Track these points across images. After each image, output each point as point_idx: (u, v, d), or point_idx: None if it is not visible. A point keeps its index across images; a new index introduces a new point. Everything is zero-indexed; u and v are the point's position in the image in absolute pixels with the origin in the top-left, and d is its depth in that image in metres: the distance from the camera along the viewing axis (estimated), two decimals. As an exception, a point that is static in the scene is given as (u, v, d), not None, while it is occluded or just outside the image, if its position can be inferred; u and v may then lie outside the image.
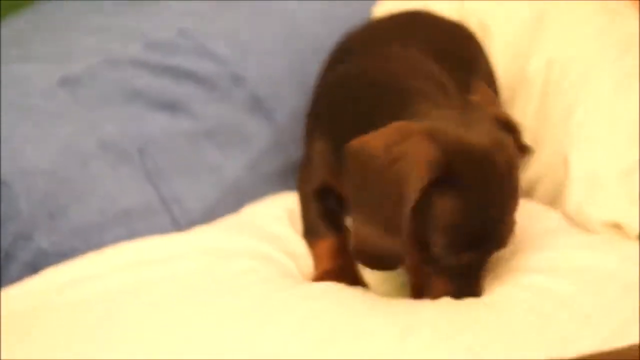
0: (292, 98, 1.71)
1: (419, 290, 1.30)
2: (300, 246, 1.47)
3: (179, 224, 1.53)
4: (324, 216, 1.47)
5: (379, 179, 1.21)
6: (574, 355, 1.10)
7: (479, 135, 1.23)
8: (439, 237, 1.22)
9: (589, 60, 1.63)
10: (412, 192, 1.18)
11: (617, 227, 1.44)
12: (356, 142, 1.24)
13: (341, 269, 1.39)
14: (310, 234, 1.47)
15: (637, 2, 1.60)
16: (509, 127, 1.29)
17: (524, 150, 1.38)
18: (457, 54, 1.55)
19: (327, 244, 1.44)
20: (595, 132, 1.55)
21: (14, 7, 1.81)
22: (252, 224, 1.50)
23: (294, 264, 1.42)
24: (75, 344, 1.18)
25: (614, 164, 1.50)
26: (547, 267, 1.34)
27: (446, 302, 1.26)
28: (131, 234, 1.46)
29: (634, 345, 1.09)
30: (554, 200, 1.57)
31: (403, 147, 1.20)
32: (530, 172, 1.61)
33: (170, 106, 1.60)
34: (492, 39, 1.73)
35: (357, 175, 1.24)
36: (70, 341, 1.18)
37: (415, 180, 1.18)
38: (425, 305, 1.25)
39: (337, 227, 1.46)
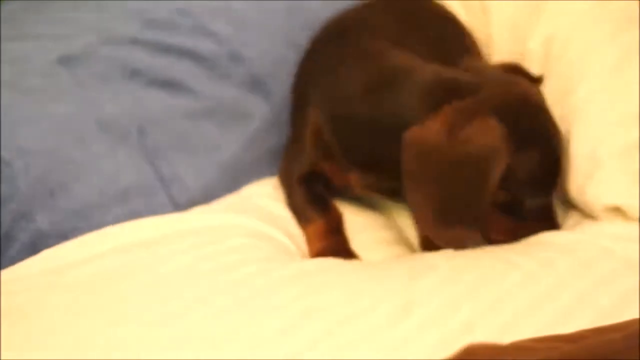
0: (290, 75, 1.71)
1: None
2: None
3: (178, 203, 1.53)
4: (311, 201, 1.49)
5: (450, 166, 1.24)
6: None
7: (513, 88, 1.33)
8: (528, 190, 1.30)
9: (588, 36, 1.62)
10: (495, 174, 1.24)
11: (618, 210, 1.43)
12: (414, 132, 1.26)
13: (334, 247, 1.41)
14: (299, 219, 1.48)
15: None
16: (517, 70, 1.38)
17: (536, 81, 1.49)
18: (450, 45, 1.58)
19: (316, 226, 1.46)
20: (595, 110, 1.54)
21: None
22: (251, 204, 1.51)
23: (293, 243, 1.43)
24: (75, 325, 1.18)
25: (614, 142, 1.49)
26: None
27: (448, 269, 1.27)
28: (130, 214, 1.46)
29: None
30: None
31: (469, 131, 1.24)
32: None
33: (169, 85, 1.59)
34: (491, 17, 1.72)
35: (419, 164, 1.26)
36: (70, 322, 1.18)
37: (498, 163, 1.25)
38: (426, 276, 1.26)
39: (325, 207, 1.49)
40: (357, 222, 1.52)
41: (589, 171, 1.48)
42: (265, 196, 1.54)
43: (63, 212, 1.45)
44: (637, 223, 1.41)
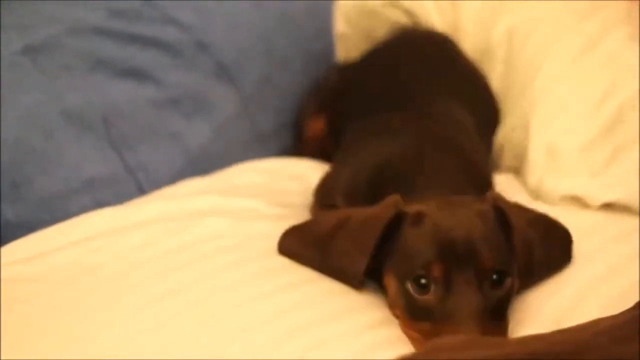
0: (258, 65, 1.71)
1: None
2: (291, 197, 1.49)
3: (145, 192, 1.52)
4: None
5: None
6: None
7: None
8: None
9: (550, 27, 1.63)
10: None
11: (576, 199, 1.45)
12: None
13: None
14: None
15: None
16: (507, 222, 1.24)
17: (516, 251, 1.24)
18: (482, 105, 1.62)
19: None
20: (553, 101, 1.55)
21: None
22: (226, 182, 1.52)
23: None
24: (40, 316, 1.17)
25: (574, 135, 1.50)
26: None
27: None
28: (97, 203, 1.46)
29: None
30: (518, 171, 1.57)
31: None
32: (496, 142, 1.62)
33: (135, 74, 1.58)
34: (460, 12, 1.73)
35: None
36: (35, 313, 1.18)
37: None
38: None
39: None
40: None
41: (549, 163, 1.49)
42: (243, 172, 1.55)
43: (28, 202, 1.44)
44: (592, 211, 1.43)
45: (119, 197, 1.48)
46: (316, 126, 1.74)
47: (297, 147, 1.79)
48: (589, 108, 1.51)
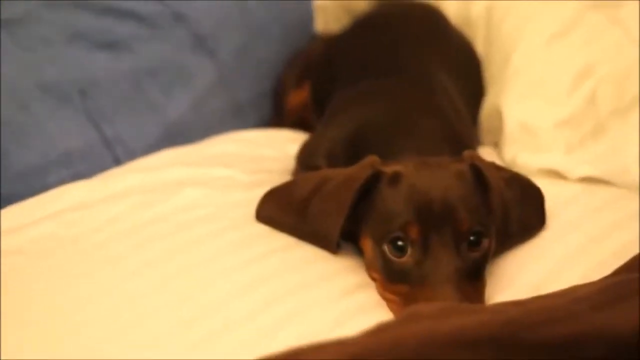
0: (235, 36, 1.70)
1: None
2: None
3: (122, 165, 1.51)
4: None
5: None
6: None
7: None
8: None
9: (528, 6, 1.62)
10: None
11: (553, 172, 1.44)
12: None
13: None
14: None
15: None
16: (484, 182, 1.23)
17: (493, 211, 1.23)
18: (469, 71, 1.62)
19: None
20: (529, 81, 1.55)
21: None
22: (202, 153, 1.51)
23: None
24: (19, 289, 1.16)
25: (548, 113, 1.49)
26: None
27: None
28: (74, 176, 1.45)
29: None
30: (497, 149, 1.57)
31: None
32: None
33: (112, 46, 1.57)
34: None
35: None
36: (12, 286, 1.17)
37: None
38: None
39: None
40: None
41: (523, 139, 1.49)
42: (223, 143, 1.54)
43: (5, 176, 1.43)
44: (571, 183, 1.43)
45: (96, 169, 1.47)
46: (298, 97, 1.74)
47: (277, 118, 1.78)
48: (564, 87, 1.50)
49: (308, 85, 1.71)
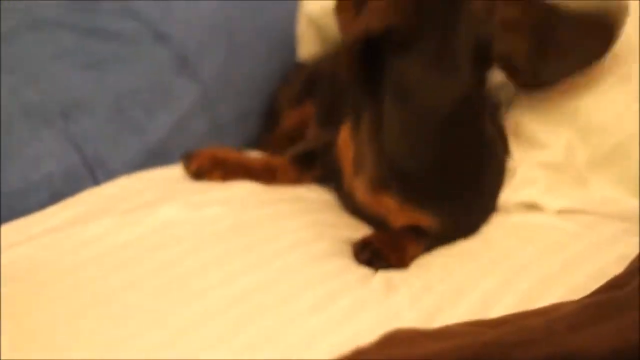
0: (219, 56, 1.70)
1: None
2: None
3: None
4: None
5: None
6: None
7: None
8: None
9: None
10: None
11: (532, 206, 1.44)
12: None
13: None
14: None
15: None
16: None
17: None
18: None
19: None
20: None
21: None
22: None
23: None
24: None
25: (529, 157, 1.48)
26: None
27: None
28: (55, 198, 1.44)
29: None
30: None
31: None
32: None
33: (94, 67, 1.57)
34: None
35: None
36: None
37: None
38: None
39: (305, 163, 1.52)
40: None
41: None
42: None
43: (-15, 198, 1.42)
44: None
45: (76, 191, 1.46)
46: (296, 116, 1.73)
47: (268, 136, 1.78)
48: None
49: (311, 104, 1.72)
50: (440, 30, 1.29)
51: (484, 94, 1.36)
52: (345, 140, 1.42)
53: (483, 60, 1.31)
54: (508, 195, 1.44)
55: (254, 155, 1.55)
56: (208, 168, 1.46)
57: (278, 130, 1.77)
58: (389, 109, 1.32)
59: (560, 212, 1.41)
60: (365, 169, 1.38)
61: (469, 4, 1.30)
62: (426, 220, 1.36)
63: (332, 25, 1.80)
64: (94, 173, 1.51)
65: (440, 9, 1.30)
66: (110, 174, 1.52)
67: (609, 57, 1.40)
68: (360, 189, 1.41)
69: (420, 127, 1.32)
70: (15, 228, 1.34)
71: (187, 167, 1.48)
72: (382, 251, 1.31)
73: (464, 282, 1.25)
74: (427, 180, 1.34)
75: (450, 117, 1.31)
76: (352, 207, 1.44)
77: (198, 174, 1.47)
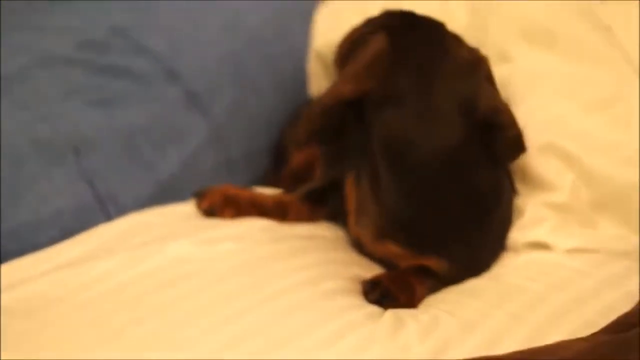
0: (229, 93, 1.71)
1: None
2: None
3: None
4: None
5: None
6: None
7: None
8: None
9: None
10: None
11: (541, 246, 1.44)
12: None
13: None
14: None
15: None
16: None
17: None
18: None
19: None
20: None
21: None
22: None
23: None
24: (7, 350, 1.16)
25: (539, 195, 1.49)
26: None
27: None
28: (65, 234, 1.44)
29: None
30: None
31: None
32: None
33: (105, 104, 1.58)
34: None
35: None
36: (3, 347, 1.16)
37: None
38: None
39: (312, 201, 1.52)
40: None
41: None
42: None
43: (-5, 234, 1.43)
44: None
45: (87, 227, 1.46)
46: (303, 155, 1.74)
47: (275, 174, 1.78)
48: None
49: (317, 144, 1.72)
50: (419, 87, 1.31)
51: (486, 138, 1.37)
52: (349, 191, 1.43)
53: (470, 113, 1.32)
54: (516, 235, 1.45)
55: (266, 192, 1.55)
56: (220, 206, 1.47)
57: (285, 169, 1.77)
58: (382, 166, 1.34)
59: (568, 251, 1.41)
60: (368, 219, 1.39)
61: (453, 60, 1.32)
62: (434, 263, 1.37)
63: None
64: (105, 209, 1.52)
65: (417, 69, 1.32)
66: (121, 210, 1.52)
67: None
68: (364, 236, 1.42)
69: (414, 181, 1.33)
70: (25, 264, 1.34)
71: (199, 205, 1.48)
72: (391, 291, 1.32)
73: (473, 318, 1.25)
74: (430, 228, 1.35)
75: (443, 169, 1.32)
76: (360, 248, 1.45)
77: (210, 211, 1.47)
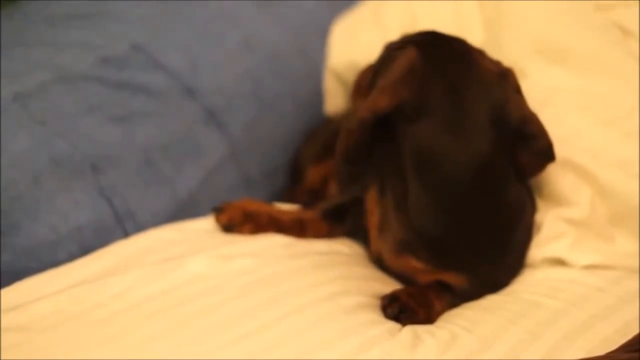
0: (246, 109, 1.71)
1: None
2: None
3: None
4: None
5: None
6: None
7: None
8: None
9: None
10: None
11: (559, 262, 1.44)
12: None
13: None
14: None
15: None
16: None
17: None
18: None
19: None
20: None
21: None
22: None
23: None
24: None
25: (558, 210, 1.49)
26: None
27: None
28: (84, 251, 1.45)
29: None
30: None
31: None
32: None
33: (124, 120, 1.59)
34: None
35: None
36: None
37: None
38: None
39: (333, 217, 1.52)
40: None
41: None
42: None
43: (15, 250, 1.43)
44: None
45: (105, 244, 1.46)
46: (318, 172, 1.75)
47: (292, 190, 1.79)
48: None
49: (333, 161, 1.72)
50: (450, 98, 1.32)
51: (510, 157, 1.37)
52: (371, 205, 1.43)
53: (501, 124, 1.33)
54: (534, 251, 1.45)
55: (284, 208, 1.56)
56: (239, 222, 1.47)
57: (301, 186, 1.78)
58: (412, 180, 1.34)
59: (586, 267, 1.42)
60: (391, 233, 1.40)
61: (481, 72, 1.32)
62: (453, 279, 1.37)
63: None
64: (124, 225, 1.52)
65: (448, 81, 1.33)
66: (140, 227, 1.52)
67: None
68: (385, 251, 1.42)
69: (445, 195, 1.33)
70: (44, 280, 1.35)
71: (218, 220, 1.49)
72: (409, 306, 1.32)
73: (491, 334, 1.26)
74: (453, 244, 1.36)
75: (475, 183, 1.33)
76: (380, 263, 1.45)
77: (229, 227, 1.47)
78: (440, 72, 1.34)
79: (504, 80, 1.37)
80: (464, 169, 1.32)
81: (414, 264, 1.38)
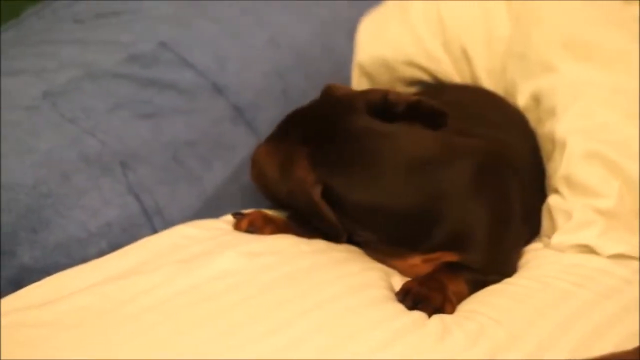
0: (274, 107, 1.71)
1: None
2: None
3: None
4: None
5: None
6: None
7: None
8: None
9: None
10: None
11: (587, 248, 1.44)
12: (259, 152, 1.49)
13: None
14: None
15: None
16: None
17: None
18: None
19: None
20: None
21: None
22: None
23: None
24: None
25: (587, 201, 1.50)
26: None
27: None
28: (113, 247, 1.46)
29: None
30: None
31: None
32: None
33: (152, 117, 1.60)
34: (476, 68, 1.76)
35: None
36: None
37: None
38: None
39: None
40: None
41: (556, 222, 1.50)
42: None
43: (46, 247, 1.44)
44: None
45: (134, 240, 1.47)
46: None
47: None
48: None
49: None
50: None
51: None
52: None
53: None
54: (563, 237, 1.46)
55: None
56: (260, 225, 1.48)
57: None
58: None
59: (613, 256, 1.42)
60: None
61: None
62: (450, 256, 1.40)
63: (384, 74, 1.83)
64: (152, 222, 1.53)
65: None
66: (167, 223, 1.53)
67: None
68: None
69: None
70: (74, 276, 1.36)
71: (238, 226, 1.49)
72: (423, 295, 1.33)
73: (519, 326, 1.26)
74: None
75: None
76: None
77: (250, 231, 1.48)
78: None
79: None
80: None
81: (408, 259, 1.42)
